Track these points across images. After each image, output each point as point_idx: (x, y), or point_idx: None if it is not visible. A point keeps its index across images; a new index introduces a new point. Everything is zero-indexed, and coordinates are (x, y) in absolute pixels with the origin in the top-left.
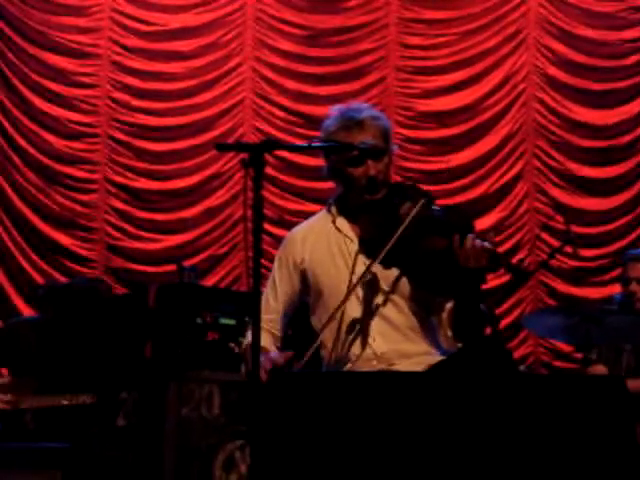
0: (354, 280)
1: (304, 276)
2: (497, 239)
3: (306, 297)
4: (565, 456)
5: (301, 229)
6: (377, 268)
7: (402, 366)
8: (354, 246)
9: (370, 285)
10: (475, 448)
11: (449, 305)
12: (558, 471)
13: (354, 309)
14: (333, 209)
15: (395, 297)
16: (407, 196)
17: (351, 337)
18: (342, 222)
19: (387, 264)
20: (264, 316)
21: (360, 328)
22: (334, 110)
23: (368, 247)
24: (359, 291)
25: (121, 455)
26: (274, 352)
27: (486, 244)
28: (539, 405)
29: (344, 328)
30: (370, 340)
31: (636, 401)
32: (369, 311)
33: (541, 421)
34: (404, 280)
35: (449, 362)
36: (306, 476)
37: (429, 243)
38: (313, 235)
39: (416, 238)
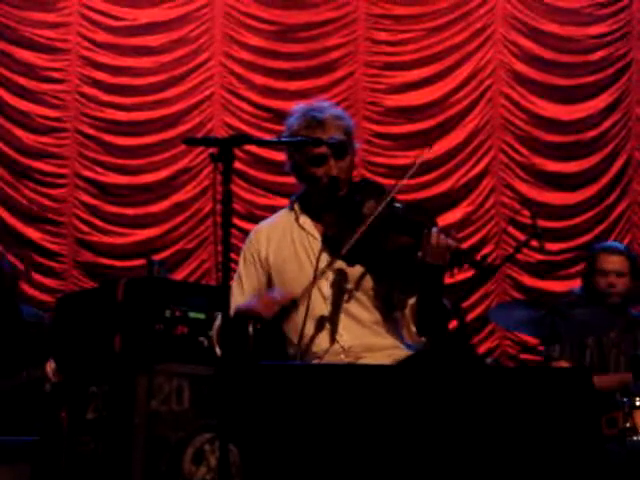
0: (318, 277)
1: (269, 273)
2: (464, 233)
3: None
4: (531, 448)
5: (265, 226)
6: (341, 265)
7: (370, 359)
8: (317, 244)
9: (334, 282)
10: (443, 439)
11: (412, 301)
12: (525, 463)
13: (319, 306)
14: (296, 206)
15: (359, 294)
16: (370, 193)
17: (317, 333)
18: (305, 220)
19: (350, 261)
20: (232, 312)
21: (326, 324)
22: (297, 108)
23: (331, 245)
24: (324, 288)
25: (90, 448)
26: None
27: (449, 241)
28: (506, 398)
29: (310, 325)
30: (337, 336)
31: (600, 397)
32: (334, 308)
33: (508, 413)
34: (368, 277)
35: (418, 356)
36: (280, 469)
37: (392, 240)
38: (277, 232)
39: (379, 236)
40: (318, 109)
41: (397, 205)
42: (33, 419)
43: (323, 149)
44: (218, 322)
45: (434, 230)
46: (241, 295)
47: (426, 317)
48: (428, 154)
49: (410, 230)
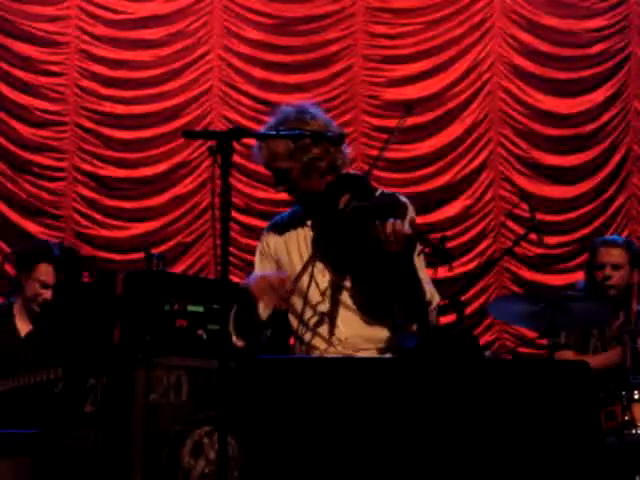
0: (315, 273)
1: (278, 268)
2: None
3: None
4: (531, 441)
5: (276, 220)
6: (331, 259)
7: (368, 352)
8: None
9: (328, 276)
10: (442, 432)
11: None
12: (524, 456)
13: (317, 299)
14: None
15: (352, 287)
16: (345, 187)
17: (316, 325)
18: (307, 216)
19: (339, 256)
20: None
21: (324, 317)
22: (282, 108)
23: (317, 239)
24: (320, 282)
25: (89, 441)
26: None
27: (400, 226)
28: (505, 391)
29: (308, 317)
30: (334, 328)
31: (600, 377)
32: (331, 301)
33: (507, 407)
34: (357, 270)
35: (417, 349)
36: (280, 463)
37: (368, 232)
38: (285, 227)
39: (356, 229)
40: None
41: (374, 196)
42: (38, 415)
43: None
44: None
45: (388, 220)
46: None
47: (405, 304)
48: (404, 122)
49: (374, 220)
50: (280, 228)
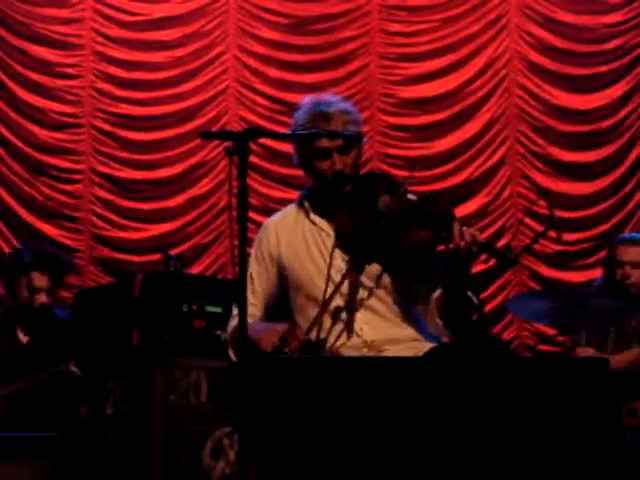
0: (332, 274)
1: (281, 271)
2: (480, 225)
3: (285, 290)
4: (552, 438)
5: (273, 223)
6: (357, 263)
7: (392, 352)
8: (330, 241)
9: (352, 279)
10: (465, 430)
11: (436, 294)
12: (546, 453)
13: (337, 302)
14: (306, 203)
15: (379, 290)
16: (381, 187)
17: (337, 328)
18: (315, 216)
19: (368, 260)
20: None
21: (345, 320)
22: (305, 101)
23: (346, 242)
24: (342, 285)
25: (109, 444)
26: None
27: (475, 233)
28: (526, 388)
29: (328, 321)
30: (357, 330)
31: (620, 384)
32: (353, 304)
33: (528, 404)
34: (386, 274)
35: (441, 348)
36: (299, 462)
37: (411, 235)
38: (287, 229)
39: (398, 231)
40: (325, 103)
41: (412, 197)
42: (54, 415)
43: (327, 143)
44: (233, 324)
45: (457, 223)
46: (252, 295)
47: (452, 309)
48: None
49: (430, 224)
50: (281, 230)
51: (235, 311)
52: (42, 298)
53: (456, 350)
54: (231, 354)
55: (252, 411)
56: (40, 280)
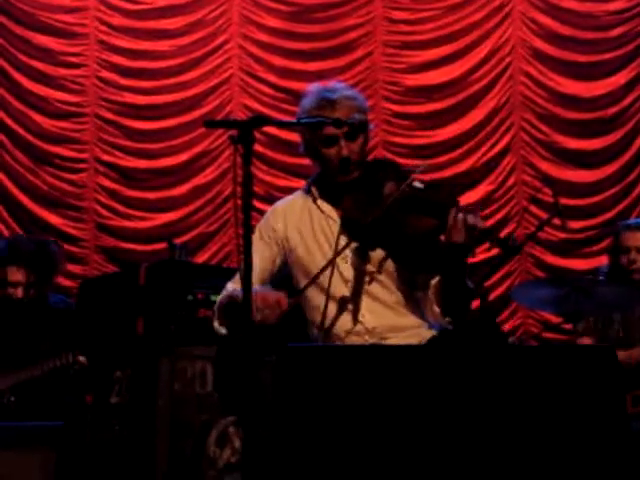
0: (337, 260)
1: (286, 254)
2: (485, 212)
3: (287, 271)
4: (556, 426)
5: (281, 206)
6: (361, 248)
7: (394, 340)
8: (336, 227)
9: (355, 265)
10: (471, 417)
11: (434, 281)
12: (550, 441)
13: (340, 288)
14: (313, 189)
15: (381, 276)
16: (387, 174)
17: (339, 315)
18: (322, 202)
19: (372, 245)
20: (236, 286)
21: (348, 306)
22: (311, 89)
23: (351, 227)
24: (345, 271)
25: (115, 432)
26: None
27: (476, 220)
28: (530, 376)
29: (332, 307)
30: (360, 316)
31: (625, 372)
32: (356, 289)
33: (532, 392)
34: (389, 259)
35: (443, 335)
36: (307, 452)
37: (415, 222)
38: (294, 214)
39: (402, 218)
40: (331, 90)
41: (418, 185)
42: (59, 405)
43: (333, 130)
44: (222, 296)
45: (459, 210)
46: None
47: (450, 297)
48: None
49: (434, 211)
50: (289, 214)
51: (228, 285)
52: (18, 293)
53: (459, 337)
54: (216, 325)
55: (267, 400)
56: (15, 275)
